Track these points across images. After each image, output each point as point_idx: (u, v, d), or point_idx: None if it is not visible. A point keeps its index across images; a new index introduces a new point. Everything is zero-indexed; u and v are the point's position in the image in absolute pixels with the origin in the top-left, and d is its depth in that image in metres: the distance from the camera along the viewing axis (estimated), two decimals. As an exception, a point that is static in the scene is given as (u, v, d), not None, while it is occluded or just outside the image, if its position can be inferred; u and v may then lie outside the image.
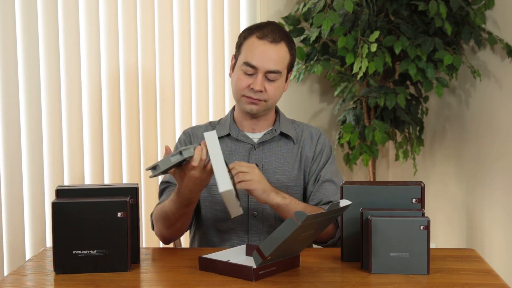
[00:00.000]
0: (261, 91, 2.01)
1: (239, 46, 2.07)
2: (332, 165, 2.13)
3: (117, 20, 3.02)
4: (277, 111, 2.17)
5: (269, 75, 2.00)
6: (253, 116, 2.08)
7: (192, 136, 2.15)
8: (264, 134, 2.11)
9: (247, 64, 2.00)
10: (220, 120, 2.19)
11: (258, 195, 1.88)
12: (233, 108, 2.17)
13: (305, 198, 2.12)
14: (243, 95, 2.03)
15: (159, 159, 3.12)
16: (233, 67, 2.09)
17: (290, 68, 2.08)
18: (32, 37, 2.90)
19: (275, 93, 2.03)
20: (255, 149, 2.09)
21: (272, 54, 2.00)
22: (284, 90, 2.09)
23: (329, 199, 2.05)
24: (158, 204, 2.06)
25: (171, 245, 2.38)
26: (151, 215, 2.08)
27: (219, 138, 2.11)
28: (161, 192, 2.11)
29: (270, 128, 2.12)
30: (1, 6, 2.85)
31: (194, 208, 1.98)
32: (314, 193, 2.08)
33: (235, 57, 2.08)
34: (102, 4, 2.99)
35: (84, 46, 2.98)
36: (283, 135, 2.12)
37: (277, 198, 1.91)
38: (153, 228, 2.09)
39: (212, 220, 2.10)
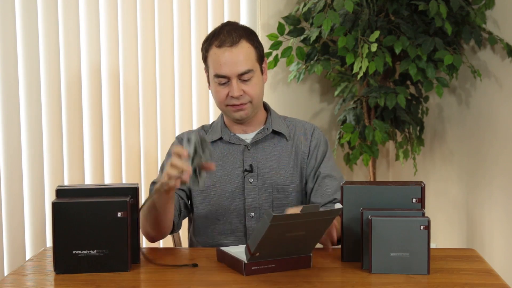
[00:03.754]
0: (241, 95, 2.00)
1: (204, 59, 2.06)
2: (330, 160, 2.12)
3: (117, 21, 3.02)
4: (267, 109, 2.16)
5: (242, 77, 1.99)
6: (243, 121, 2.08)
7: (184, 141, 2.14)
8: (257, 134, 2.10)
9: (217, 76, 2.00)
10: (212, 123, 2.18)
11: None
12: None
13: (303, 195, 2.11)
14: (227, 105, 2.03)
15: (159, 159, 3.12)
16: (209, 80, 2.08)
17: (261, 60, 2.06)
18: (32, 36, 2.90)
19: (255, 90, 2.02)
20: (249, 149, 2.08)
21: (236, 57, 1.98)
22: (264, 81, 2.08)
23: (332, 196, 2.05)
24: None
25: (171, 245, 2.39)
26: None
27: (212, 142, 2.10)
28: (150, 192, 2.08)
29: (262, 127, 2.11)
30: (1, 6, 2.85)
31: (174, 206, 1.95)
32: (316, 190, 2.07)
33: (206, 70, 2.07)
34: (103, 4, 2.99)
35: (84, 46, 2.99)
36: (275, 133, 2.11)
37: None
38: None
39: (208, 223, 2.09)
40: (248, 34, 2.03)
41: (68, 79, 2.97)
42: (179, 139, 2.15)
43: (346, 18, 2.96)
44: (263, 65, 2.07)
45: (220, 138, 2.11)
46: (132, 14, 3.03)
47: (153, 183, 2.08)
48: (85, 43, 2.98)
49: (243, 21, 3.20)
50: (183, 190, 2.10)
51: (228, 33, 2.00)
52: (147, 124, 3.09)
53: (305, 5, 3.06)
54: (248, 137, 2.10)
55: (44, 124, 2.95)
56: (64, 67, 2.96)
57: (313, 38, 2.99)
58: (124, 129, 3.06)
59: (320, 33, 2.98)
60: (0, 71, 2.87)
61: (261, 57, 2.06)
